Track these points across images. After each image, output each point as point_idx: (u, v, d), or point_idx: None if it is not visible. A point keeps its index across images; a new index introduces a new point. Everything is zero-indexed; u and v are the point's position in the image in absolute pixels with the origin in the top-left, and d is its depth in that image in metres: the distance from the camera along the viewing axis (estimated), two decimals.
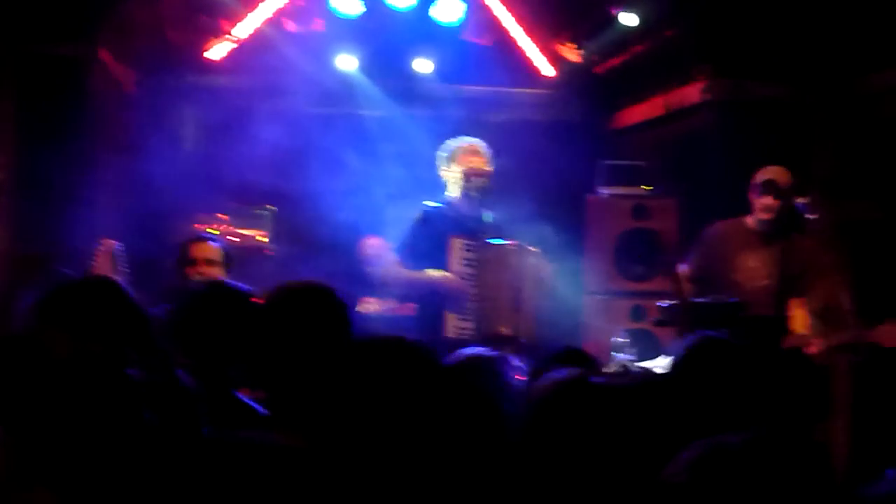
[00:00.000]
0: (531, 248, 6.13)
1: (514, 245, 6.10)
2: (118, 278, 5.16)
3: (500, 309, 6.04)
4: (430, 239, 6.12)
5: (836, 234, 6.83)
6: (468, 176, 6.16)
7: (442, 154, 6.30)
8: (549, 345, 5.13)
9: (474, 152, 6.24)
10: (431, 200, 6.31)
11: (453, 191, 6.22)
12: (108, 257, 5.25)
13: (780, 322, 5.79)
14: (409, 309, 6.74)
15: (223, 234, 7.90)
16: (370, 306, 7.29)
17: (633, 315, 7.49)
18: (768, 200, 6.15)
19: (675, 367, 3.40)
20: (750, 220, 6.31)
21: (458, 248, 6.09)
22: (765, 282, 6.16)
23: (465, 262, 6.07)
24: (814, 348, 5.80)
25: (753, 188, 6.22)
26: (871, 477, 1.87)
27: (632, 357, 5.84)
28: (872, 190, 7.14)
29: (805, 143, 7.41)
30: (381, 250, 7.71)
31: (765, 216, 6.19)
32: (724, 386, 3.28)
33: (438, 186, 6.35)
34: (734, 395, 3.24)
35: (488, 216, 6.19)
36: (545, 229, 6.34)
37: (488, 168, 6.21)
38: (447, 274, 6.07)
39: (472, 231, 6.11)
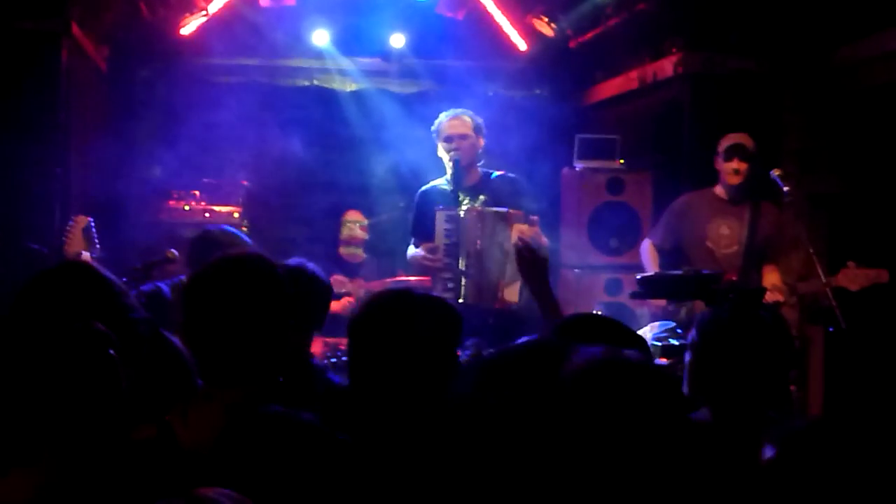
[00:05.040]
0: (515, 212, 5.94)
1: (496, 211, 5.97)
2: (91, 253, 5.19)
3: (481, 277, 5.96)
4: (427, 218, 6.18)
5: (807, 205, 6.88)
6: (449, 144, 6.17)
7: (433, 132, 6.29)
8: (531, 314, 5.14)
9: (453, 118, 6.23)
10: (435, 179, 6.33)
11: (446, 164, 6.20)
12: (80, 233, 5.24)
13: (759, 290, 5.86)
14: (379, 285, 6.76)
15: (196, 210, 7.89)
16: (341, 285, 7.27)
17: (609, 288, 7.51)
18: (735, 164, 6.29)
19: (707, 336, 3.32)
20: (718, 189, 6.43)
21: (440, 219, 6.08)
22: (735, 248, 6.29)
23: (446, 232, 6.05)
24: (778, 296, 5.96)
25: (719, 155, 6.36)
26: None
27: None
28: (843, 162, 7.18)
29: (777, 115, 7.44)
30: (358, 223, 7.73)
31: (734, 180, 6.33)
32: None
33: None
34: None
35: (478, 183, 6.21)
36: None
37: (471, 133, 6.20)
38: (427, 249, 6.11)
39: (457, 201, 6.10)
